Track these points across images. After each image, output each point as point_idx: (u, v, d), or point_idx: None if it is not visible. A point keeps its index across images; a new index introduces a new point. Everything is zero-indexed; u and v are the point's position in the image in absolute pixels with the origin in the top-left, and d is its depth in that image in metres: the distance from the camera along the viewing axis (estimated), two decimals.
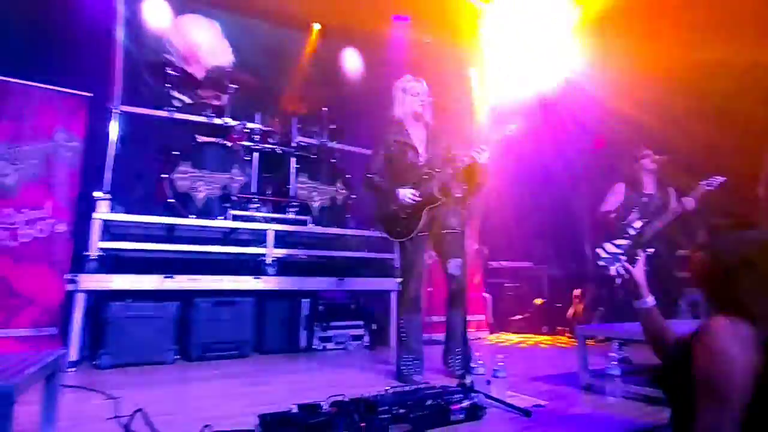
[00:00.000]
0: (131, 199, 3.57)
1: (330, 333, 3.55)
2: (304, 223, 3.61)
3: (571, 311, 4.48)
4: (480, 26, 5.20)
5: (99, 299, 2.95)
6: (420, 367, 2.53)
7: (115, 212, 3.09)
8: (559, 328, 4.56)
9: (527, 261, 5.34)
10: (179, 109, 3.64)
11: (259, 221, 3.49)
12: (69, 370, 2.57)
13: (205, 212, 3.31)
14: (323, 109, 4.11)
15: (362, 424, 1.51)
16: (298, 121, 3.99)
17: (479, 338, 4.27)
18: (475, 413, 1.72)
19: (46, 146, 2.96)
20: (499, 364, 2.01)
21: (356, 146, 4.42)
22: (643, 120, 4.33)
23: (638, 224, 3.03)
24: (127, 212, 3.18)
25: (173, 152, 3.32)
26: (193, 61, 4.61)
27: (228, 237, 3.58)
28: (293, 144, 3.81)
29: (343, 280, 3.59)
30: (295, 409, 1.63)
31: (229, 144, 3.59)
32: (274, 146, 3.74)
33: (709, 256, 1.13)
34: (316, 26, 5.22)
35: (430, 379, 2.33)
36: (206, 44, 4.77)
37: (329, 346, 3.54)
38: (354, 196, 4.08)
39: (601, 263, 3.11)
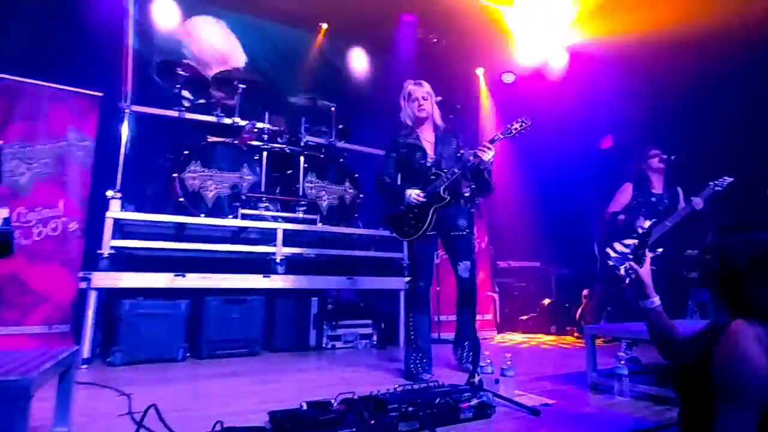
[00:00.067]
0: (142, 198, 3.62)
1: (339, 332, 3.58)
2: (313, 222, 3.64)
3: (579, 311, 4.46)
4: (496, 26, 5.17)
5: (111, 297, 2.99)
6: (428, 366, 2.55)
7: (127, 211, 3.14)
8: (568, 327, 4.55)
9: (535, 261, 5.33)
10: (189, 109, 3.67)
11: (269, 220, 3.52)
12: (81, 367, 2.61)
13: (215, 211, 3.34)
14: (331, 108, 4.13)
15: (372, 422, 1.53)
16: (307, 120, 4.01)
17: (485, 338, 4.27)
18: (483, 412, 1.73)
19: (59, 145, 3.00)
20: (508, 363, 2.02)
21: (364, 145, 4.43)
22: (651, 119, 4.31)
23: (646, 224, 3.01)
24: (138, 211, 3.22)
25: (183, 152, 3.35)
26: (206, 63, 4.66)
27: (238, 236, 3.61)
28: (302, 143, 3.83)
29: (352, 279, 3.61)
30: (304, 407, 1.65)
31: (238, 143, 3.61)
32: (283, 146, 3.76)
33: (718, 258, 1.13)
34: (324, 26, 5.25)
35: (439, 378, 2.33)
36: (220, 46, 4.82)
37: (338, 344, 3.56)
38: (362, 196, 4.09)
39: (610, 263, 3.10)
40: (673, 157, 3.19)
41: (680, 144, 3.45)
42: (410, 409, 1.61)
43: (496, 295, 4.80)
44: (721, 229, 1.15)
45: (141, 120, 3.68)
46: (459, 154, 2.62)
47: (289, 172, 3.89)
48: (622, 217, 3.12)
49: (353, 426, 1.48)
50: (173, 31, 4.44)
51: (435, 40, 5.55)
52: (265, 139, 3.67)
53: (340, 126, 4.17)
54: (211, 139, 3.66)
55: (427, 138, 2.68)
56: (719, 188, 2.99)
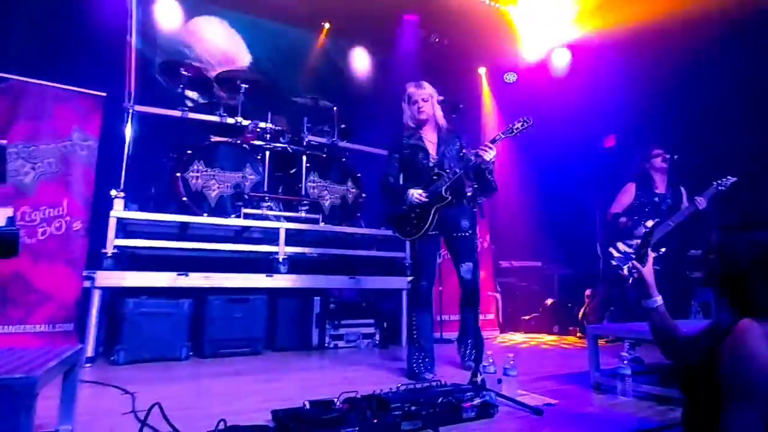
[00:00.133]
0: (145, 197, 3.64)
1: (341, 331, 3.58)
2: (315, 221, 3.64)
3: (581, 311, 4.46)
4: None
5: (114, 296, 3.00)
6: (431, 365, 2.55)
7: (130, 210, 3.15)
8: (570, 327, 4.54)
9: (537, 260, 5.32)
10: (192, 109, 3.68)
11: (271, 220, 3.53)
12: (85, 365, 2.62)
13: (218, 211, 3.35)
14: (333, 108, 4.13)
15: (374, 421, 1.53)
16: (309, 120, 4.02)
17: (487, 338, 4.26)
18: (486, 411, 1.73)
19: (63, 145, 3.01)
20: (510, 362, 2.02)
21: (366, 145, 4.43)
22: (654, 118, 4.30)
23: (650, 224, 3.00)
24: (142, 210, 3.23)
25: (187, 151, 3.37)
26: (210, 63, 4.67)
27: (240, 235, 3.62)
28: (304, 143, 3.84)
29: (354, 279, 3.62)
30: (307, 406, 1.65)
31: (240, 143, 3.62)
32: (286, 145, 3.77)
33: (720, 258, 1.13)
34: (326, 25, 5.26)
35: (442, 377, 2.33)
36: (223, 46, 4.83)
37: (341, 344, 3.57)
38: (364, 195, 4.10)
39: (613, 263, 3.10)
40: (676, 157, 3.18)
41: (683, 143, 3.44)
42: (413, 408, 1.61)
43: (498, 295, 4.79)
44: (724, 228, 1.15)
45: (144, 120, 3.70)
46: (461, 154, 2.62)
47: (292, 171, 3.90)
48: (623, 219, 3.12)
49: (356, 425, 1.48)
50: (176, 31, 4.46)
51: (437, 39, 5.56)
52: (268, 138, 3.68)
53: (343, 126, 4.17)
54: (214, 138, 3.67)
55: (429, 139, 2.69)
56: (722, 188, 2.98)
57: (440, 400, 1.68)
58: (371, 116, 4.70)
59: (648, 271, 1.49)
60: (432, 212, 2.56)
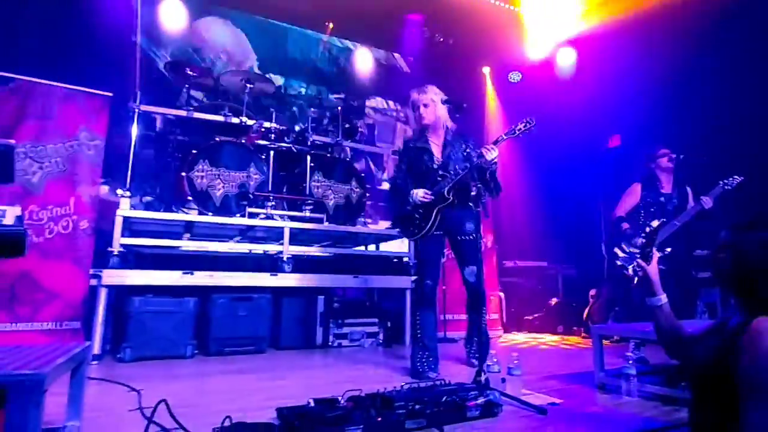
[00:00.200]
0: (151, 196, 3.66)
1: (345, 330, 3.59)
2: (319, 221, 3.65)
3: (586, 311, 4.44)
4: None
5: (121, 294, 3.03)
6: (435, 364, 2.55)
7: (136, 209, 3.17)
8: (575, 327, 4.52)
9: (542, 260, 5.31)
10: (197, 109, 3.70)
11: (276, 219, 3.54)
12: (92, 363, 2.65)
13: (222, 210, 3.36)
14: (338, 108, 4.14)
15: (379, 419, 1.53)
16: (313, 119, 4.03)
17: (490, 338, 4.26)
18: (490, 410, 1.73)
19: (70, 145, 3.04)
20: (515, 362, 2.02)
21: (370, 145, 4.44)
22: (660, 117, 4.27)
23: (655, 224, 2.98)
24: (147, 209, 3.25)
25: (192, 151, 3.39)
26: (215, 63, 4.69)
27: (245, 234, 3.64)
28: (308, 143, 3.85)
29: (358, 278, 3.62)
30: (312, 404, 1.66)
31: (245, 142, 3.64)
32: (290, 145, 3.78)
33: (731, 256, 1.12)
34: (330, 25, 5.27)
35: (445, 376, 2.34)
36: (229, 47, 4.85)
37: (344, 343, 3.58)
38: (368, 195, 4.10)
39: (618, 263, 3.08)
40: (682, 157, 3.15)
41: (690, 143, 3.42)
42: (417, 407, 1.61)
43: (502, 295, 4.79)
44: (735, 227, 1.14)
45: (150, 119, 3.72)
46: (465, 155, 2.63)
47: (296, 171, 3.91)
48: (626, 225, 3.10)
49: (360, 423, 1.49)
50: (182, 31, 4.48)
51: (441, 39, 5.55)
52: (272, 138, 3.69)
53: (347, 125, 4.18)
54: (219, 138, 3.69)
55: (435, 141, 2.71)
56: (729, 187, 2.96)
57: (444, 398, 1.68)
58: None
59: (653, 269, 1.48)
60: (434, 213, 2.57)
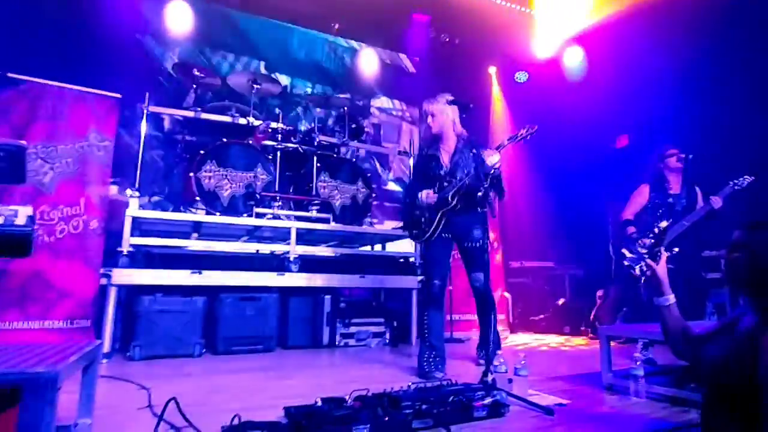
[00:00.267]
0: (160, 196, 3.70)
1: (352, 330, 3.61)
2: (326, 221, 3.67)
3: (593, 311, 4.42)
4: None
5: (130, 293, 3.06)
6: (441, 364, 2.56)
7: (145, 209, 3.20)
8: (582, 328, 4.50)
9: (548, 261, 5.29)
10: (205, 110, 3.73)
11: (282, 219, 3.56)
12: (102, 361, 2.68)
13: (230, 210, 3.39)
14: (343, 108, 4.15)
15: (386, 419, 1.54)
16: (319, 120, 4.05)
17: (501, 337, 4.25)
18: (497, 410, 1.73)
19: (80, 146, 3.08)
20: (522, 362, 2.01)
21: (376, 145, 4.45)
22: (669, 116, 4.23)
23: (664, 224, 2.96)
24: (156, 209, 3.28)
25: (199, 151, 3.41)
26: (222, 64, 4.72)
27: (252, 234, 3.66)
28: (315, 143, 3.87)
29: (364, 278, 3.64)
30: (319, 403, 1.67)
31: (252, 143, 3.66)
32: (296, 145, 3.80)
33: (747, 255, 1.11)
34: (336, 26, 5.28)
35: (452, 376, 2.34)
36: (236, 47, 4.88)
37: (351, 342, 3.59)
38: (374, 195, 4.11)
39: (626, 263, 3.06)
40: (690, 156, 3.12)
41: (699, 142, 3.39)
42: (424, 406, 1.61)
43: (508, 296, 4.77)
44: (749, 226, 1.13)
45: (158, 120, 3.76)
46: (472, 161, 2.64)
47: (303, 171, 3.93)
48: (632, 229, 3.08)
49: (367, 422, 1.49)
50: (188, 32, 4.51)
51: (447, 39, 5.54)
52: (279, 138, 3.71)
53: (353, 125, 4.19)
54: (226, 139, 3.72)
55: (445, 149, 2.74)
56: (739, 187, 2.92)
57: (451, 398, 1.68)
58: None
59: (661, 269, 1.47)
60: (438, 216, 2.61)
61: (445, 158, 2.71)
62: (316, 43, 5.38)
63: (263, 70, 4.93)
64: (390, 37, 5.47)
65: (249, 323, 3.20)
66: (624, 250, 3.04)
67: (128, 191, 3.14)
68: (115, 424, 1.65)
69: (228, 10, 4.90)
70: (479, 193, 2.60)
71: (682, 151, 3.15)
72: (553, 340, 4.29)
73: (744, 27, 3.81)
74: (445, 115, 2.69)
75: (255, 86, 3.76)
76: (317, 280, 3.48)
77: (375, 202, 4.19)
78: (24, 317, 2.75)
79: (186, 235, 3.50)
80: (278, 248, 3.63)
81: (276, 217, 3.51)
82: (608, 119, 4.95)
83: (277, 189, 3.59)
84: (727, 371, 1.03)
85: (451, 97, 2.73)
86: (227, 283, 3.19)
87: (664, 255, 1.49)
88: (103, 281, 2.93)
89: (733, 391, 0.99)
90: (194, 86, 3.75)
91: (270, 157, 3.67)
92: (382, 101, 5.80)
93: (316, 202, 3.70)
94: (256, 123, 3.67)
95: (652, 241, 1.53)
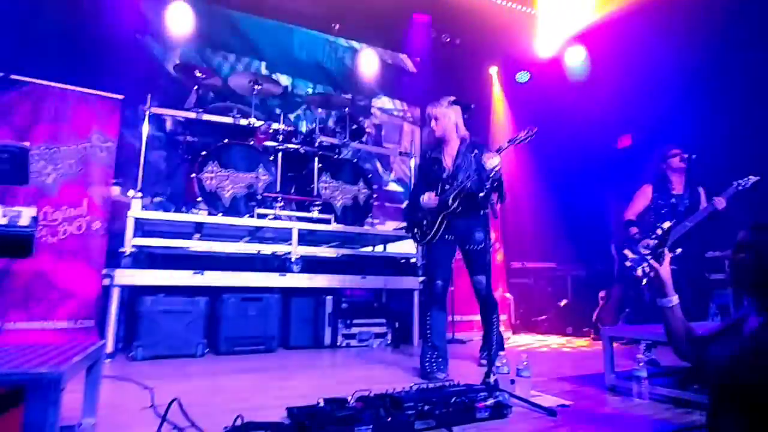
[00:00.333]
0: (162, 197, 3.71)
1: (353, 330, 3.61)
2: (327, 221, 3.67)
3: (595, 312, 4.41)
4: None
5: (133, 294, 3.07)
6: (444, 365, 2.56)
7: (147, 210, 3.21)
8: (584, 329, 4.49)
9: (551, 261, 5.28)
10: (206, 110, 3.74)
11: (284, 220, 3.57)
12: (105, 361, 2.68)
13: (231, 211, 3.40)
14: (345, 109, 4.15)
15: (388, 420, 1.54)
16: (321, 120, 4.05)
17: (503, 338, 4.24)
18: (500, 412, 1.73)
19: (83, 147, 3.09)
20: (524, 363, 2.01)
21: (377, 145, 4.45)
22: (672, 115, 4.22)
23: (666, 225, 2.95)
24: (158, 210, 3.29)
25: (201, 152, 3.42)
26: (223, 65, 4.73)
27: (254, 235, 3.66)
28: (316, 144, 3.87)
29: (366, 278, 3.64)
30: (322, 404, 1.67)
31: (254, 144, 3.67)
32: (298, 146, 3.80)
33: (753, 256, 1.10)
34: (337, 26, 5.28)
35: (454, 377, 2.34)
36: (237, 48, 4.89)
37: (353, 343, 3.59)
38: (376, 195, 4.11)
39: (628, 264, 3.06)
40: (694, 156, 3.10)
41: (702, 141, 3.37)
42: (426, 407, 1.61)
43: (510, 296, 4.77)
44: (755, 227, 1.13)
45: (160, 121, 3.77)
46: (472, 160, 2.64)
47: (304, 172, 3.93)
48: (635, 230, 3.07)
49: (370, 423, 1.49)
50: (190, 33, 4.52)
51: (448, 39, 5.54)
52: (280, 139, 3.72)
53: (354, 126, 4.19)
54: (228, 140, 3.72)
55: (449, 152, 2.75)
56: (743, 187, 2.90)
57: (453, 399, 1.68)
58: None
59: (665, 270, 1.47)
60: (439, 219, 2.63)
61: (447, 161, 2.73)
62: (317, 44, 5.38)
63: (264, 71, 4.93)
64: (391, 38, 5.46)
65: (251, 323, 3.20)
66: (626, 251, 3.04)
67: (130, 192, 3.15)
68: (119, 424, 1.65)
69: (229, 11, 4.91)
70: (481, 194, 2.60)
71: (685, 151, 3.13)
72: (554, 341, 4.28)
73: (748, 25, 3.79)
74: (448, 118, 2.70)
75: (256, 87, 3.77)
76: (319, 280, 3.48)
77: (376, 203, 4.19)
78: (28, 317, 2.76)
79: (188, 236, 3.51)
80: (280, 249, 3.63)
81: (277, 217, 3.51)
82: (610, 119, 4.93)
83: (278, 190, 3.59)
84: (733, 373, 1.03)
85: (452, 98, 2.73)
86: (229, 284, 3.20)
87: (668, 256, 1.49)
88: (106, 282, 2.94)
89: (741, 392, 0.98)
90: (196, 87, 3.76)
91: (271, 158, 3.68)
92: (383, 101, 5.80)
93: (317, 202, 3.70)
94: (258, 124, 3.68)
95: (656, 242, 1.53)
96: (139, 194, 3.13)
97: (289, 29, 5.21)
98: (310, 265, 3.55)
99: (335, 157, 4.02)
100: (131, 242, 2.99)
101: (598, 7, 4.95)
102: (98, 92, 3.20)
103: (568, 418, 1.76)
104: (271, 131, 3.70)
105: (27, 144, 1.42)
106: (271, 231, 3.57)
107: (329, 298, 3.56)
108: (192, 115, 3.63)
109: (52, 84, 3.06)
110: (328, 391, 1.86)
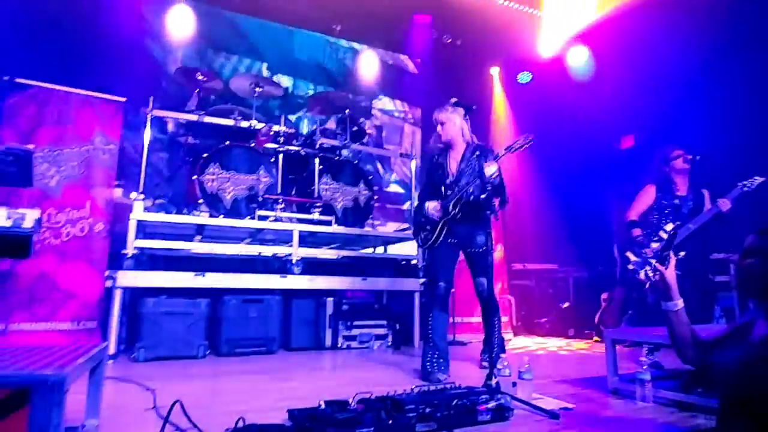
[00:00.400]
0: (164, 199, 3.72)
1: (354, 332, 3.61)
2: (328, 223, 3.68)
3: (598, 314, 4.40)
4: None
5: (135, 295, 3.08)
6: (445, 366, 2.55)
7: (149, 212, 3.22)
8: (586, 331, 4.48)
9: (552, 263, 5.26)
10: (208, 113, 3.75)
11: (285, 221, 3.57)
12: (108, 362, 2.69)
13: (232, 212, 3.40)
14: (345, 111, 4.16)
15: (389, 422, 1.54)
16: (321, 122, 4.06)
17: (504, 340, 4.23)
18: (501, 414, 1.72)
19: (86, 149, 3.10)
20: (526, 366, 2.00)
21: (378, 147, 4.45)
22: (675, 116, 4.20)
23: (670, 227, 2.94)
24: (159, 212, 3.30)
25: (203, 154, 3.43)
26: (225, 67, 4.74)
27: (255, 236, 3.67)
28: (316, 146, 3.88)
29: (366, 280, 3.64)
30: (323, 406, 1.67)
31: (254, 146, 3.68)
32: (299, 148, 3.81)
33: (760, 263, 1.10)
34: (338, 27, 5.29)
35: (455, 380, 2.33)
36: (239, 50, 4.90)
37: (353, 344, 3.60)
38: (376, 197, 4.12)
39: (630, 266, 3.05)
40: (698, 157, 3.07)
41: (706, 142, 3.35)
42: (427, 410, 1.61)
43: (511, 298, 4.76)
44: (764, 232, 1.12)
45: (162, 123, 3.78)
46: (476, 165, 2.64)
47: (305, 174, 3.94)
48: (638, 231, 3.05)
49: (371, 425, 1.49)
50: (191, 36, 4.54)
51: (449, 40, 5.54)
52: (281, 141, 3.73)
53: (355, 127, 4.20)
54: (229, 142, 3.73)
55: (454, 156, 2.76)
56: (748, 189, 2.87)
57: (455, 402, 1.68)
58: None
59: (670, 273, 1.46)
60: (440, 225, 2.66)
61: (452, 166, 2.74)
62: (318, 45, 5.39)
63: (265, 72, 4.95)
64: (392, 39, 5.47)
65: (252, 325, 3.21)
66: (628, 254, 3.03)
67: (133, 194, 3.16)
68: (122, 425, 1.65)
69: (230, 13, 4.92)
70: (483, 196, 2.59)
71: (688, 152, 3.09)
72: (554, 343, 4.27)
73: (752, 24, 3.77)
74: (453, 123, 2.72)
75: (257, 89, 3.78)
76: (319, 282, 3.48)
77: (377, 204, 4.19)
78: (31, 318, 2.78)
79: (189, 238, 3.52)
80: (281, 250, 3.64)
81: (278, 219, 3.52)
82: (613, 119, 4.92)
83: (279, 191, 3.60)
84: (743, 380, 1.02)
85: (454, 100, 2.74)
86: (230, 286, 3.21)
87: (673, 259, 1.48)
88: (109, 283, 2.95)
89: (751, 399, 0.97)
90: (197, 89, 3.77)
91: (272, 159, 3.68)
92: (384, 102, 5.81)
93: (318, 204, 3.71)
94: (259, 126, 3.69)
95: (661, 245, 1.52)
96: (141, 196, 3.14)
97: (289, 31, 5.23)
98: (311, 266, 3.55)
99: (336, 158, 4.03)
100: (133, 244, 3.00)
101: (600, 7, 4.94)
102: (101, 95, 3.21)
103: (570, 421, 1.75)
104: (272, 133, 3.71)
105: (31, 147, 1.43)
106: (272, 233, 3.57)
107: (330, 299, 3.56)
108: (193, 117, 3.64)
109: (56, 87, 3.08)
110: (329, 393, 1.86)
